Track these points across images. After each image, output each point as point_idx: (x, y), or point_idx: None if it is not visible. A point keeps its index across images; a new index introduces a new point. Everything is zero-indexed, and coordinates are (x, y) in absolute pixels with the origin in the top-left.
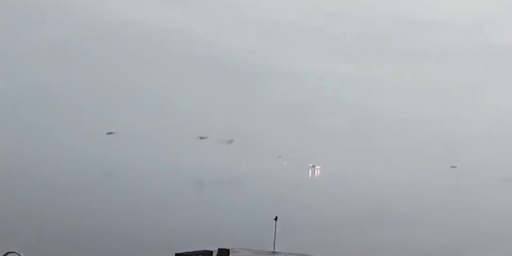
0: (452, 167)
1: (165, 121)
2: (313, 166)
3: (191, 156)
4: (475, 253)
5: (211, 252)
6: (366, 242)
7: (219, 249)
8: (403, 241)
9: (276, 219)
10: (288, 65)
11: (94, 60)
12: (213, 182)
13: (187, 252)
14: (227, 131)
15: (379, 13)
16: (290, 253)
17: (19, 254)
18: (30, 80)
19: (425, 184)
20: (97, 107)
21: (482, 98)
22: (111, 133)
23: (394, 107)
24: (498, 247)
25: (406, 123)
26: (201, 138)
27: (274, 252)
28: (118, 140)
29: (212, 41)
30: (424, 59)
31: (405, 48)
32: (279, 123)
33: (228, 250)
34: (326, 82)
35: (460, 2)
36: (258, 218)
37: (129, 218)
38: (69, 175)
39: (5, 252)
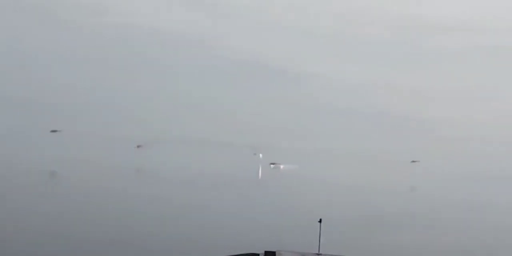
0: None
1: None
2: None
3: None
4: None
5: (257, 255)
6: (413, 243)
7: (266, 252)
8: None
9: (320, 221)
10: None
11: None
12: (249, 182)
13: (233, 255)
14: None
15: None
16: (334, 255)
17: None
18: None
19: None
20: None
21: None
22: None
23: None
24: None
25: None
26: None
27: (319, 254)
28: None
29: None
30: (442, 60)
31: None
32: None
33: (274, 253)
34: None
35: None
36: (302, 220)
37: (172, 222)
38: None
39: None
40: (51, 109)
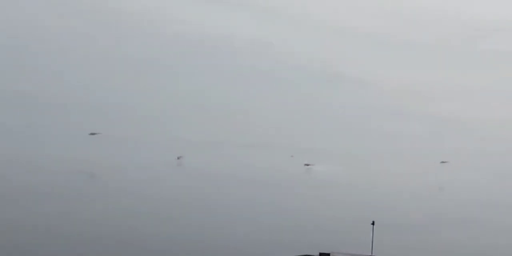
0: None
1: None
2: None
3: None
4: None
5: None
6: (463, 243)
7: (320, 254)
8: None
9: (373, 223)
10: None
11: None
12: (301, 185)
13: None
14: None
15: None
16: None
17: None
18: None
19: None
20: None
21: None
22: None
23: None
24: None
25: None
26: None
27: None
28: None
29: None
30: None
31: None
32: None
33: (328, 254)
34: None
35: None
36: (355, 222)
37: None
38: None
39: None
40: (90, 111)
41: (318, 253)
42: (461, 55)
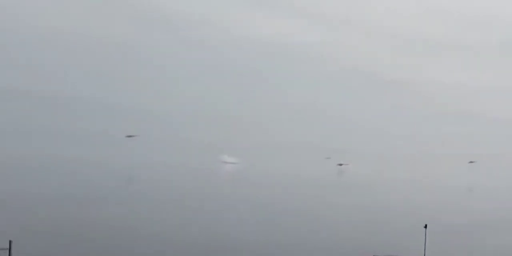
0: None
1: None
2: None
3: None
4: None
5: None
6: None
7: None
8: None
9: (426, 227)
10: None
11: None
12: (348, 186)
13: None
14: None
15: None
16: None
17: None
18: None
19: None
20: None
21: None
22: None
23: None
24: None
25: None
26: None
27: None
28: None
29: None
30: None
31: None
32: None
33: None
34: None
35: None
36: (407, 225)
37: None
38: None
39: None
40: (127, 114)
41: None
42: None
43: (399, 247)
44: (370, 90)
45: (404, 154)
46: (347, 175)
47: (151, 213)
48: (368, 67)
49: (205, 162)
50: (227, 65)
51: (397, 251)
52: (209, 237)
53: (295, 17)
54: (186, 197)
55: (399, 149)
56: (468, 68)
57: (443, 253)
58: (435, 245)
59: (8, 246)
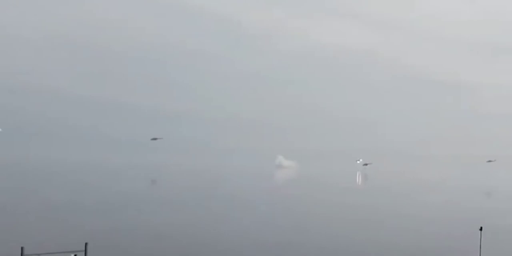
0: None
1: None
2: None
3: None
4: None
5: None
6: None
7: None
8: None
9: (481, 229)
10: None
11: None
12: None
13: None
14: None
15: None
16: None
17: None
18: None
19: None
20: None
21: None
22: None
23: None
24: None
25: None
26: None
27: None
28: None
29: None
30: None
31: None
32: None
33: None
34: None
35: None
36: (462, 228)
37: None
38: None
39: None
40: (152, 116)
41: None
42: None
43: (455, 250)
44: (425, 93)
45: (469, 156)
46: (405, 180)
47: (220, 216)
48: (423, 72)
49: (260, 166)
50: (274, 73)
51: (453, 254)
52: (264, 238)
53: (355, 23)
54: (247, 200)
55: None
56: None
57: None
58: (490, 248)
59: (84, 248)
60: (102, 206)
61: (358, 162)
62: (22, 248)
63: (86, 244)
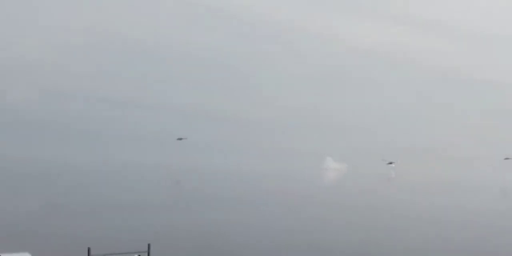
0: None
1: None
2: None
3: None
4: None
5: None
6: None
7: None
8: None
9: None
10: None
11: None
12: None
13: None
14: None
15: None
16: None
17: None
18: None
19: None
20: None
21: None
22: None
23: None
24: None
25: None
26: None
27: None
28: None
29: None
30: None
31: None
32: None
33: None
34: None
35: None
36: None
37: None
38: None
39: None
40: (178, 117)
41: None
42: None
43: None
44: (459, 92)
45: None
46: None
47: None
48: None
49: (308, 167)
50: (320, 71)
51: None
52: (313, 242)
53: (394, 23)
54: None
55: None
56: None
57: None
58: None
59: (147, 250)
60: (163, 205)
61: (382, 160)
62: (88, 249)
63: (149, 245)
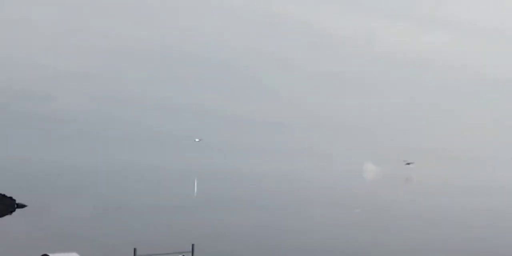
0: None
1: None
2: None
3: None
4: None
5: None
6: None
7: None
8: None
9: None
10: None
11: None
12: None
13: None
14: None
15: None
16: None
17: None
18: None
19: None
20: None
21: None
22: None
23: None
24: None
25: None
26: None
27: None
28: None
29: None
30: None
31: None
32: None
33: None
34: None
35: None
36: None
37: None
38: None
39: None
40: (197, 118)
41: None
42: None
43: None
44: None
45: None
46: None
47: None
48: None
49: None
50: (344, 72)
51: None
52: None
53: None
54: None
55: None
56: None
57: None
58: None
59: (191, 249)
60: (205, 205)
61: (403, 161)
62: (134, 249)
63: (193, 245)
